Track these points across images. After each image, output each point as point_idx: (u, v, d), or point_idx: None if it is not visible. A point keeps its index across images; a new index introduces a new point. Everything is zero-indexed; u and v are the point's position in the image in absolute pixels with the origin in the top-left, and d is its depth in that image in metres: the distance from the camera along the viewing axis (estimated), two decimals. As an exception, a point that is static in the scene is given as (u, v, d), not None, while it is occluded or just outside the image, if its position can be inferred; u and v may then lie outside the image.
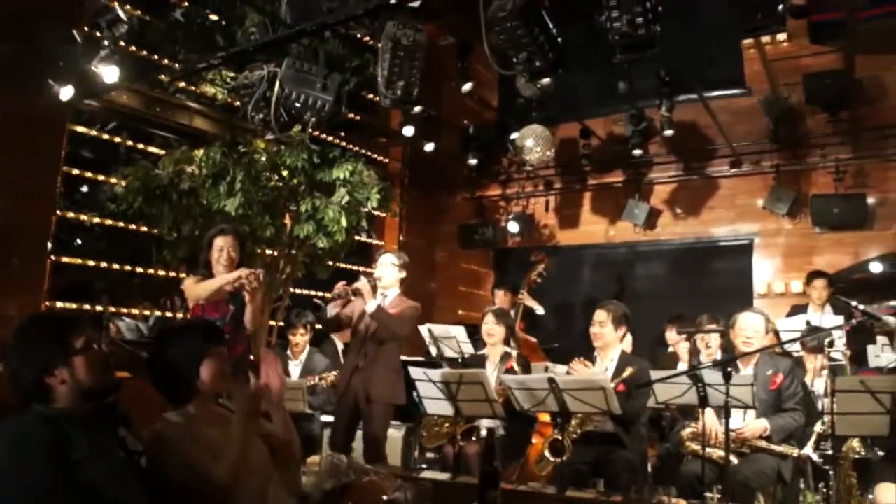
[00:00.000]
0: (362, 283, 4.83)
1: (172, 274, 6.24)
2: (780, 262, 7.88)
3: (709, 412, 4.18)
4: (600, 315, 4.78)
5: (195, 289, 4.38)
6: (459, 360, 6.36)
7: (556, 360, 6.16)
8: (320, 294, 7.95)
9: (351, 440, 4.95)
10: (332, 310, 5.01)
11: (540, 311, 7.43)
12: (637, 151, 7.97)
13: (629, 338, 5.45)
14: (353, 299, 4.93)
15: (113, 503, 2.07)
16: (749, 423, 4.25)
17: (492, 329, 5.33)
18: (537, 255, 7.42)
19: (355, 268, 8.37)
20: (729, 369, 3.83)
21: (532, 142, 8.01)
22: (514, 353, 5.22)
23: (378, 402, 4.84)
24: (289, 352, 6.28)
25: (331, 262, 7.13)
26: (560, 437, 4.24)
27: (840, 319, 5.82)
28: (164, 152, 6.62)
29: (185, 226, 6.16)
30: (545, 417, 5.01)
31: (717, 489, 4.31)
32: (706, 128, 8.12)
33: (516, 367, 5.17)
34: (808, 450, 4.49)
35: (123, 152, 6.88)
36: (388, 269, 5.01)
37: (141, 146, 6.98)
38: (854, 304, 4.71)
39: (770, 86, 7.50)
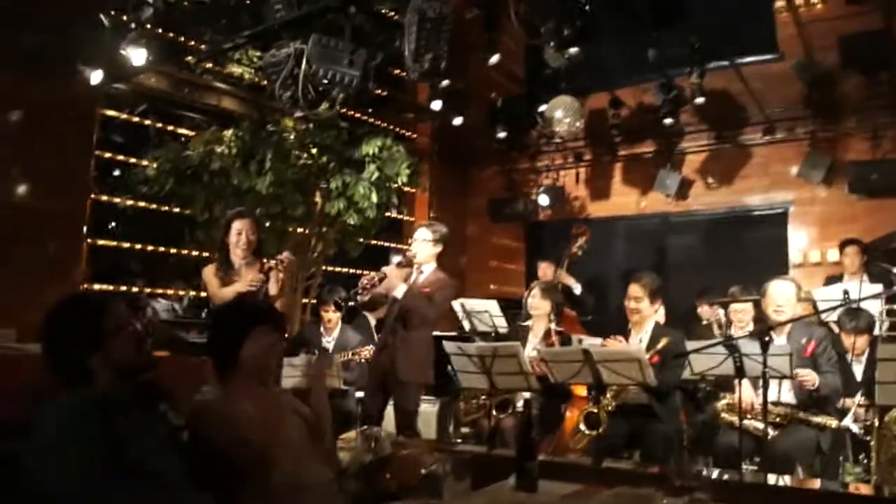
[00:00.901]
0: (389, 268, 4.85)
1: (206, 254, 6.31)
2: (815, 230, 7.75)
3: (745, 383, 4.13)
4: (635, 290, 4.72)
5: (218, 292, 4.42)
6: (492, 335, 6.35)
7: (591, 333, 6.14)
8: (352, 272, 8.01)
9: (381, 413, 5.00)
10: (362, 298, 4.98)
11: (577, 289, 7.37)
12: (668, 121, 7.87)
13: (662, 310, 5.41)
14: (378, 287, 4.90)
15: (157, 477, 2.10)
16: (803, 371, 4.13)
17: (537, 303, 5.28)
18: (578, 228, 7.33)
19: (386, 244, 8.40)
20: (766, 338, 3.77)
21: (561, 113, 7.95)
22: (557, 329, 5.15)
23: (404, 380, 4.87)
24: (322, 328, 6.31)
25: (362, 239, 7.17)
26: (595, 410, 4.24)
27: (878, 288, 5.70)
28: (193, 134, 6.68)
29: (216, 206, 6.23)
30: (580, 391, 5.01)
31: (755, 461, 4.27)
32: (738, 95, 7.97)
33: (557, 343, 5.10)
34: (848, 421, 4.42)
35: (154, 135, 6.95)
36: (422, 246, 5.00)
37: (171, 128, 7.04)
38: (894, 269, 4.60)
39: (804, 50, 7.31)
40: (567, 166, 9.38)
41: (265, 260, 4.53)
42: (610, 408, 4.33)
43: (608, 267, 8.72)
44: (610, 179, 9.14)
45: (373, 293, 4.94)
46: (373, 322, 6.72)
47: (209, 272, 4.52)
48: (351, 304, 4.90)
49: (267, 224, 6.29)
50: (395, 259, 4.98)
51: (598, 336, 5.34)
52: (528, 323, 5.40)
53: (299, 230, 6.95)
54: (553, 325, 5.19)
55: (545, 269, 7.45)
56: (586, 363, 4.05)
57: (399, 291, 4.83)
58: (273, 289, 4.50)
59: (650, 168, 8.65)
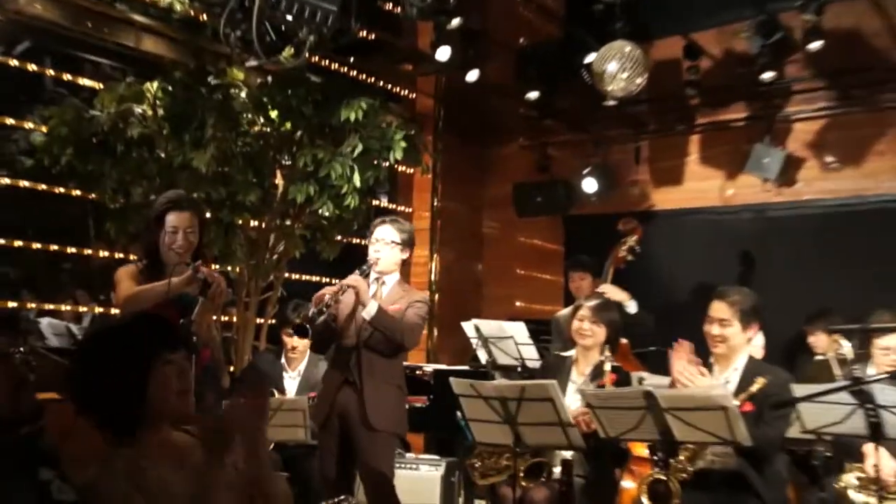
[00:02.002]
0: (355, 279, 4.89)
1: (119, 255, 6.24)
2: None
3: (883, 450, 4.09)
4: (720, 310, 4.67)
5: (130, 294, 4.37)
6: (518, 369, 6.37)
7: (653, 368, 6.08)
8: (325, 282, 7.93)
9: (349, 475, 5.08)
10: (324, 318, 4.96)
11: (631, 307, 7.25)
12: (767, 75, 7.81)
13: (760, 338, 5.31)
14: (339, 303, 4.95)
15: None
16: None
17: (587, 328, 5.26)
18: (627, 224, 7.31)
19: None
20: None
21: (616, 66, 7.87)
22: (611, 365, 5.13)
23: (379, 429, 4.93)
24: (283, 359, 6.30)
25: (339, 237, 7.16)
26: (663, 478, 4.21)
27: None
28: (100, 87, 6.66)
29: (135, 188, 6.16)
30: (641, 450, 4.98)
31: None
32: (873, 37, 7.90)
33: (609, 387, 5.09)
34: None
35: (44, 86, 6.89)
36: (386, 250, 5.07)
37: (68, 78, 7.03)
38: None
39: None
40: (623, 139, 9.34)
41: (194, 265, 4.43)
42: (684, 475, 4.29)
43: (678, 278, 8.68)
44: (683, 158, 9.10)
45: (327, 319, 4.92)
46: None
47: (126, 273, 4.51)
48: (311, 316, 4.80)
49: (207, 215, 6.23)
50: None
51: (662, 374, 5.27)
52: (571, 353, 5.39)
53: (252, 223, 6.94)
54: (607, 358, 5.16)
55: (580, 282, 7.37)
56: (649, 411, 4.03)
57: (370, 310, 4.88)
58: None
59: (741, 142, 8.61)
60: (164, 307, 4.31)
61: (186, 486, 2.40)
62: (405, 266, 5.52)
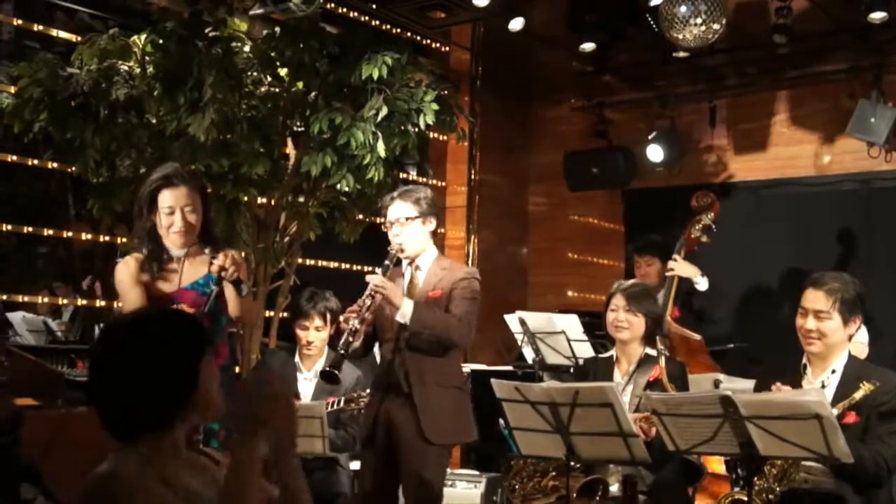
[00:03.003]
0: (379, 282, 4.87)
1: (105, 238, 6.28)
2: None
3: None
4: (816, 299, 4.63)
5: (129, 293, 4.47)
6: (571, 370, 6.38)
7: (732, 369, 6.06)
8: (345, 270, 7.96)
9: (393, 498, 5.09)
10: (354, 344, 5.01)
11: (702, 284, 7.27)
12: (876, 15, 7.67)
13: (863, 334, 5.29)
14: (370, 313, 4.95)
15: None
16: None
17: (622, 319, 5.29)
18: (702, 198, 7.26)
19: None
20: None
21: (688, 9, 7.83)
22: (661, 356, 5.15)
23: (438, 443, 4.95)
24: (297, 357, 6.32)
25: (361, 216, 7.18)
26: (744, 499, 4.20)
27: None
28: (78, 39, 6.67)
29: (121, 160, 6.20)
30: (717, 465, 5.08)
31: None
32: None
33: (666, 382, 5.12)
34: None
35: (9, 39, 6.95)
36: (409, 229, 5.05)
37: (39, 28, 7.06)
38: None
39: None
40: (696, 97, 9.29)
41: (213, 257, 4.51)
42: (771, 496, 4.29)
43: (762, 263, 8.65)
44: (769, 118, 9.05)
45: (365, 327, 4.97)
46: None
47: (128, 267, 4.57)
48: (342, 353, 4.89)
49: (208, 190, 6.29)
50: (379, 269, 4.99)
51: (742, 376, 5.27)
52: (609, 353, 5.47)
53: (260, 201, 6.97)
54: (651, 350, 5.21)
55: (647, 269, 7.44)
56: (727, 420, 4.01)
57: (406, 310, 4.86)
58: (231, 304, 4.52)
59: (840, 99, 8.54)
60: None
61: (210, 492, 2.45)
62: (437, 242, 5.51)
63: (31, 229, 6.79)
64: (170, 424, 2.54)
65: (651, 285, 6.40)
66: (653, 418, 4.35)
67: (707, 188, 7.86)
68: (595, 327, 6.67)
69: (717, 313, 7.32)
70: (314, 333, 6.21)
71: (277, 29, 6.63)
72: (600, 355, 5.55)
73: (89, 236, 6.66)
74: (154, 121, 6.26)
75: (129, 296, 4.52)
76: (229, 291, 4.46)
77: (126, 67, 6.29)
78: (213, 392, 2.59)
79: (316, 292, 6.33)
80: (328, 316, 6.24)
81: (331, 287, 6.54)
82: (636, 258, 7.63)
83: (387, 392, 5.04)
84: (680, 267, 7.05)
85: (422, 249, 5.12)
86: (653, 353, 5.25)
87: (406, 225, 5.04)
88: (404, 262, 5.12)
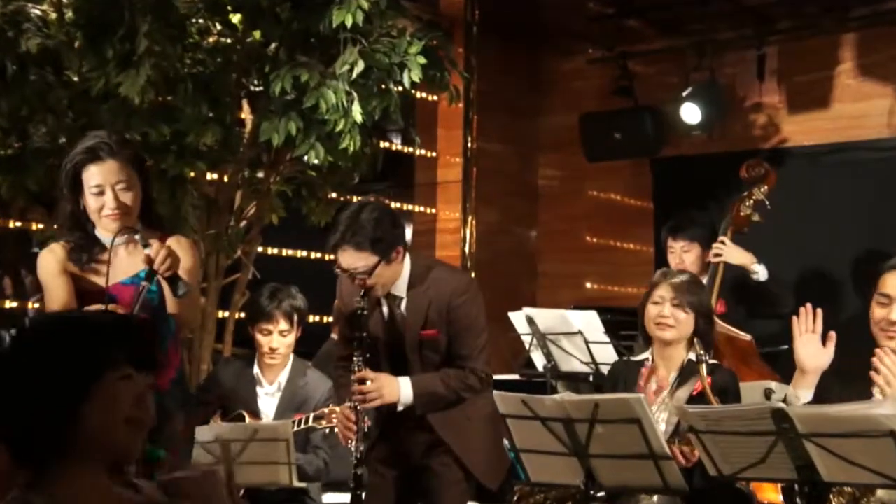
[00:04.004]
0: (363, 379, 5.02)
1: (15, 224, 6.25)
2: None
3: None
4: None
5: (52, 286, 4.54)
6: (591, 378, 6.51)
7: (787, 375, 6.02)
8: (314, 260, 7.92)
9: None
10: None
11: (760, 273, 7.24)
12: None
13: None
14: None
15: None
16: None
17: (667, 314, 5.26)
18: (753, 168, 7.24)
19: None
20: None
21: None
22: (708, 362, 5.10)
23: (487, 483, 5.24)
24: (256, 368, 6.34)
25: (334, 194, 7.27)
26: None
27: None
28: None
29: (36, 127, 6.23)
30: (771, 494, 5.12)
31: None
32: None
33: (710, 394, 5.06)
34: None
35: None
36: (375, 275, 5.03)
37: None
38: None
39: None
40: (740, 44, 9.32)
41: (144, 245, 4.53)
42: (836, 529, 4.33)
43: (824, 245, 8.71)
44: (830, 70, 9.05)
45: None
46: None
47: (54, 255, 4.64)
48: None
49: (147, 163, 6.30)
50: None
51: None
52: (644, 356, 5.43)
53: (210, 177, 7.05)
54: (697, 354, 5.13)
55: (683, 255, 7.39)
56: (782, 438, 3.98)
57: (406, 398, 5.04)
58: (168, 304, 4.58)
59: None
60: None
61: None
62: (426, 235, 5.48)
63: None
64: (49, 467, 2.51)
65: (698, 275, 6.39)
66: (691, 437, 4.32)
67: (756, 155, 7.84)
68: (619, 326, 6.76)
69: (779, 308, 7.25)
70: (278, 339, 6.22)
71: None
72: (632, 358, 5.57)
73: (-4, 221, 6.70)
74: (76, 79, 6.31)
75: (53, 290, 4.58)
76: (165, 289, 4.50)
77: (38, 11, 6.29)
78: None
79: (279, 288, 6.36)
80: (295, 317, 6.29)
81: (297, 281, 6.59)
82: (670, 242, 7.56)
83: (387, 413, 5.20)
84: (730, 252, 6.99)
85: (393, 281, 5.17)
86: (702, 358, 5.14)
87: (365, 274, 5.02)
88: (384, 301, 5.23)
